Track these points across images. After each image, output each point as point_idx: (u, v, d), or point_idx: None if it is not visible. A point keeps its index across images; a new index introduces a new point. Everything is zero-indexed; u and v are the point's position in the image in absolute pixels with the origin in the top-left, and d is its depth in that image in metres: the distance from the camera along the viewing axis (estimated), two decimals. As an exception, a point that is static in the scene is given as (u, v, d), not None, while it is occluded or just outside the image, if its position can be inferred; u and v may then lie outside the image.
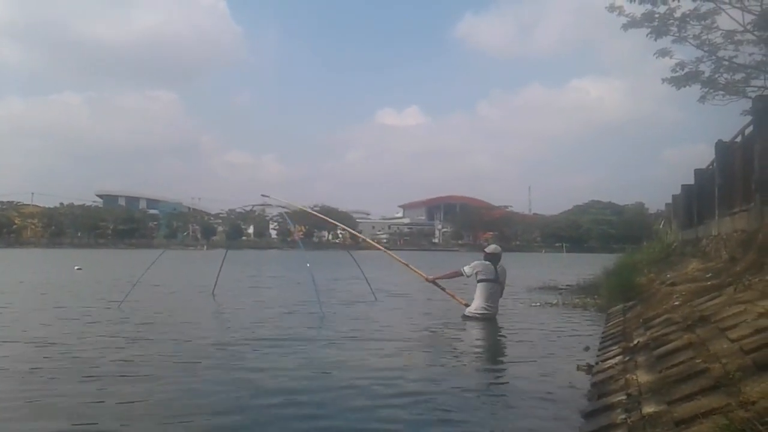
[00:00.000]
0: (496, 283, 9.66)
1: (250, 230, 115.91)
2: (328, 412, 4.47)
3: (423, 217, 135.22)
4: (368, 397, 4.86)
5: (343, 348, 7.16)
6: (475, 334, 8.71)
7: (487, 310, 9.44)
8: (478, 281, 9.62)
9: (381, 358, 6.54)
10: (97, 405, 4.56)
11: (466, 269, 9.78)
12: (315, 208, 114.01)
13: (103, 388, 5.06)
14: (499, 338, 8.28)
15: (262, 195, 12.93)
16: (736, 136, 9.38)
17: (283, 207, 12.50)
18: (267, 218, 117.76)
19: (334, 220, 15.23)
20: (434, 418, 4.33)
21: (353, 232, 14.95)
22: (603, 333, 7.51)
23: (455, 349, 7.63)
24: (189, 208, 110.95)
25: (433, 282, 10.61)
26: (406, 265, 11.67)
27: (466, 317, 9.53)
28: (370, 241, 13.48)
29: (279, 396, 4.84)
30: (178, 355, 6.59)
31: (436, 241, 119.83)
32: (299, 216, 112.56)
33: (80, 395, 4.81)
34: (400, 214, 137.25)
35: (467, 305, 9.87)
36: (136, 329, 8.41)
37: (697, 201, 13.47)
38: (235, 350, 6.88)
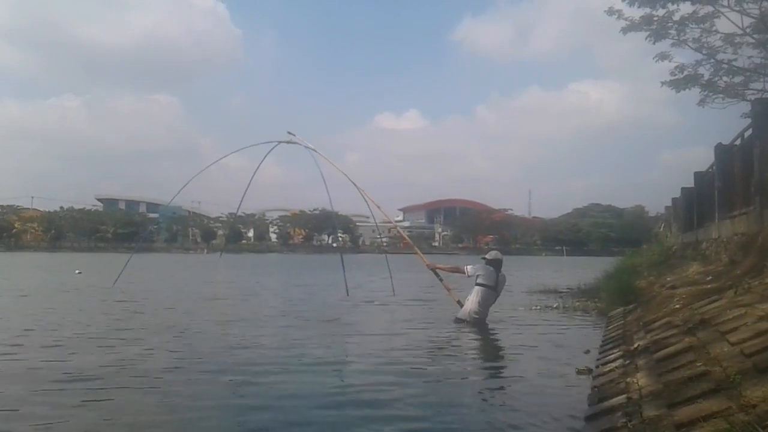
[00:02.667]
0: (493, 291, 9.66)
1: (250, 234, 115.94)
2: (314, 411, 4.48)
3: (423, 221, 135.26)
4: (365, 399, 4.85)
5: (343, 351, 7.17)
6: (474, 337, 8.70)
7: (478, 314, 9.44)
8: (477, 284, 9.61)
9: (380, 359, 6.53)
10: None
11: (469, 269, 9.79)
12: (314, 212, 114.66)
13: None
14: (499, 342, 8.27)
15: (288, 132, 12.42)
16: (735, 139, 9.39)
17: (310, 148, 12.06)
18: (267, 221, 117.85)
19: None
20: (433, 421, 4.32)
21: (402, 233, 13.87)
22: (603, 336, 7.50)
23: (455, 352, 7.62)
24: (189, 211, 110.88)
25: (433, 270, 10.61)
26: (413, 246, 12.28)
27: (458, 320, 9.54)
28: (406, 238, 13.45)
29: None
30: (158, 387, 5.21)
31: (436, 244, 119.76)
32: (299, 220, 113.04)
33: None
34: (400, 218, 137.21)
35: (459, 302, 9.88)
36: (121, 343, 7.42)
37: (697, 204, 13.48)
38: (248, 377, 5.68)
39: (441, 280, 10.51)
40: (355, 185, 11.72)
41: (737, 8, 14.42)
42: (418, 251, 11.60)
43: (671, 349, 4.45)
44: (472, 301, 9.52)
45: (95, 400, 4.75)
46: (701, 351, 3.99)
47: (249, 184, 13.83)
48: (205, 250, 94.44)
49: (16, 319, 9.92)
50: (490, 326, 9.28)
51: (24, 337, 7.89)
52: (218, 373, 5.81)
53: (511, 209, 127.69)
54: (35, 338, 7.86)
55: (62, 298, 13.71)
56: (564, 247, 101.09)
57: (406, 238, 13.58)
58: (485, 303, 9.53)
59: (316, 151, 12.02)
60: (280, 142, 12.29)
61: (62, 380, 5.41)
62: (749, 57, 15.39)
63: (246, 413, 4.51)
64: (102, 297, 11.40)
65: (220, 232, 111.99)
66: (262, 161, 13.34)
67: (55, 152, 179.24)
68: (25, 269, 30.40)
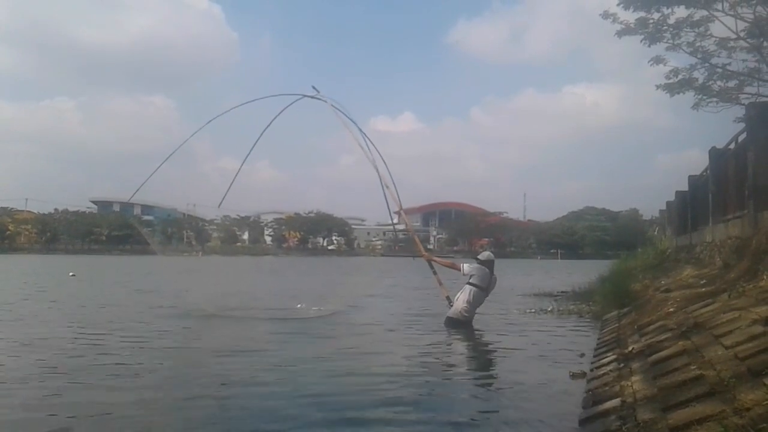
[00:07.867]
0: (484, 292, 9.71)
1: (245, 236, 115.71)
2: (315, 415, 4.46)
3: (418, 224, 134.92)
4: (363, 404, 4.83)
5: (337, 350, 7.16)
6: (468, 341, 8.70)
7: (468, 313, 9.52)
8: (469, 283, 9.63)
9: (373, 365, 6.52)
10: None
11: (465, 267, 9.85)
12: (310, 214, 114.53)
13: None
14: (493, 345, 8.26)
15: (313, 87, 12.01)
16: (729, 143, 9.42)
17: (336, 107, 11.59)
18: (262, 224, 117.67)
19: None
20: (426, 426, 4.31)
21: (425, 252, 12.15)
22: (598, 340, 7.51)
23: (449, 356, 7.61)
24: (184, 214, 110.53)
25: (429, 261, 10.63)
26: (415, 237, 12.26)
27: (450, 320, 9.54)
28: (410, 227, 13.07)
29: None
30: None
31: (431, 247, 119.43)
32: (294, 222, 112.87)
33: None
34: (395, 220, 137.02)
35: (448, 298, 9.91)
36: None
37: (691, 207, 13.52)
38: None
39: (435, 273, 10.50)
40: (376, 150, 11.58)
41: (731, 12, 14.51)
42: (417, 241, 11.64)
43: (665, 352, 4.45)
44: (462, 299, 9.56)
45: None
46: (695, 354, 3.99)
47: (258, 139, 12.55)
48: (200, 253, 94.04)
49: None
50: (484, 329, 9.30)
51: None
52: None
53: (506, 212, 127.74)
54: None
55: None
56: (559, 251, 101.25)
57: (410, 226, 13.57)
58: (475, 303, 9.61)
59: (343, 112, 11.59)
60: (304, 95, 11.83)
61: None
62: (743, 61, 15.50)
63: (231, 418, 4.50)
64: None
65: (215, 234, 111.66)
66: (282, 111, 12.28)
67: (49, 154, 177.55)
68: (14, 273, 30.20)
